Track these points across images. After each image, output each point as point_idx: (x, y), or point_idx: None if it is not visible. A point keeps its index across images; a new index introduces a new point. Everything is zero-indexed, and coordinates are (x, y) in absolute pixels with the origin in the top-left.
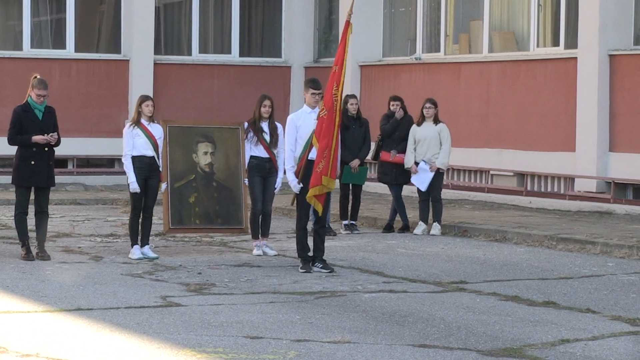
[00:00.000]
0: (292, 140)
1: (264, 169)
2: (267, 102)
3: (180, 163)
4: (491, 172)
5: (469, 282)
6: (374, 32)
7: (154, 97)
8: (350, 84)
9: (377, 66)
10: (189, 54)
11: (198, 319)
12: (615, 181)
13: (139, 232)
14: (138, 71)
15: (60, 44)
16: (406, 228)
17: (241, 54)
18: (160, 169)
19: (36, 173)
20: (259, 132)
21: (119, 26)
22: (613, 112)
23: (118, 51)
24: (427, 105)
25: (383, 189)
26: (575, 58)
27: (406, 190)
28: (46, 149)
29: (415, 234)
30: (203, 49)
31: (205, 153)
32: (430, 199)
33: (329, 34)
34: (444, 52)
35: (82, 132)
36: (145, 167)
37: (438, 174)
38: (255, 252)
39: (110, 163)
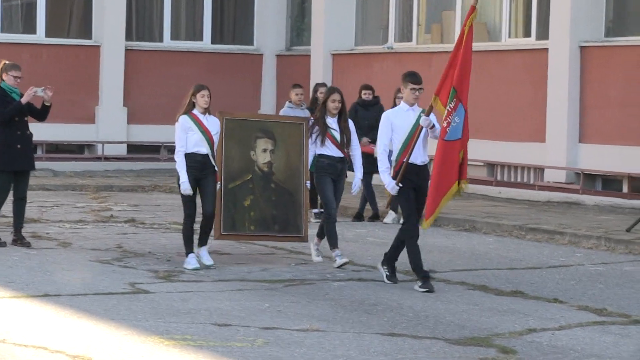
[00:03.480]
0: (387, 138)
1: (336, 170)
2: (336, 97)
3: (236, 161)
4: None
5: (437, 271)
6: (347, 21)
7: (125, 84)
8: (322, 73)
9: (349, 55)
10: (161, 40)
11: (166, 306)
12: (585, 172)
13: (198, 232)
14: (109, 57)
15: (30, 28)
16: (376, 217)
17: (213, 41)
18: (216, 168)
19: (22, 157)
20: (325, 128)
21: (90, 11)
22: (583, 104)
23: (89, 37)
24: (400, 94)
25: (353, 177)
26: (547, 49)
27: (376, 179)
28: (28, 132)
29: (385, 223)
30: (175, 36)
31: (265, 150)
32: None
33: (301, 22)
34: (416, 42)
35: (52, 118)
36: (197, 165)
37: None
38: (339, 261)
39: (79, 149)
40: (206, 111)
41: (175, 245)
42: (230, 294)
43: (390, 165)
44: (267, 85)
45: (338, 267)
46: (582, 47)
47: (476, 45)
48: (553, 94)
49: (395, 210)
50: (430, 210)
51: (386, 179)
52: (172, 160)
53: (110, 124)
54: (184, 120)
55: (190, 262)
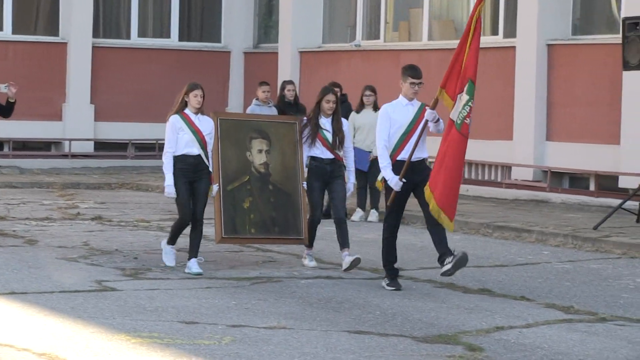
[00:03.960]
0: (386, 133)
1: (325, 173)
2: (330, 97)
3: (233, 162)
4: (429, 159)
5: (405, 269)
6: (314, 19)
7: (92, 81)
8: (290, 70)
9: (316, 53)
10: (128, 37)
11: (133, 303)
12: (552, 170)
13: (189, 243)
14: (76, 54)
15: None
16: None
17: (180, 39)
18: (210, 169)
19: None
20: (316, 129)
21: (57, 8)
22: (550, 102)
23: (56, 34)
24: (367, 92)
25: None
26: (514, 47)
27: None
28: None
29: (352, 221)
30: (142, 33)
31: (260, 151)
32: (368, 186)
33: (268, 20)
34: (384, 40)
35: (19, 115)
36: (189, 167)
37: (377, 161)
38: (307, 262)
39: (46, 146)
40: (199, 111)
41: (142, 242)
42: (198, 292)
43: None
44: (234, 82)
45: (304, 266)
46: (549, 45)
47: (444, 43)
48: (520, 92)
49: (363, 208)
50: (452, 210)
51: (389, 175)
52: (139, 157)
53: (78, 121)
54: (174, 120)
55: (169, 254)
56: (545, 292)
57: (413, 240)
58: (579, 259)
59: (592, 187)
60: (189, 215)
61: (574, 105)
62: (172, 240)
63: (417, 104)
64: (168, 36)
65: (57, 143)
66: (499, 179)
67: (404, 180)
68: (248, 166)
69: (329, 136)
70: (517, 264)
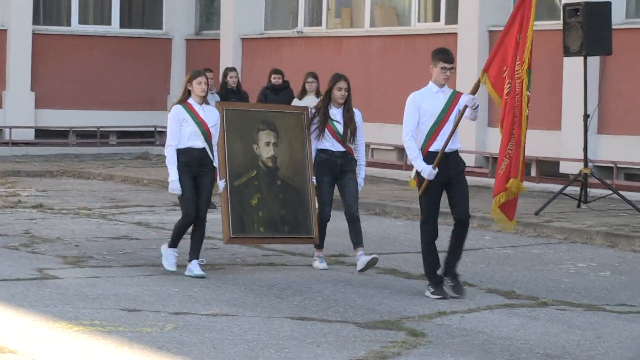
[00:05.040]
0: (414, 123)
1: (335, 166)
2: (342, 84)
3: (240, 156)
4: (372, 146)
5: (347, 255)
6: (256, 5)
7: (32, 68)
8: (232, 57)
9: (258, 39)
10: (69, 24)
11: (75, 291)
12: (493, 156)
13: (190, 243)
14: (16, 41)
15: None
16: None
17: (122, 25)
18: (215, 163)
19: None
20: (326, 119)
21: None
22: None
23: None
24: (309, 79)
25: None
26: (456, 33)
27: None
28: None
29: None
30: (83, 20)
31: (268, 144)
32: None
33: (210, 7)
34: (326, 26)
35: None
36: (193, 162)
37: None
38: (317, 264)
39: None
40: (203, 100)
41: (84, 230)
42: (140, 279)
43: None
44: (176, 69)
45: (315, 267)
46: (490, 32)
47: (386, 30)
48: (462, 78)
49: None
50: (511, 208)
51: (421, 165)
52: (81, 145)
53: (18, 109)
54: (177, 110)
55: (169, 258)
56: (487, 278)
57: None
58: (521, 244)
59: (533, 173)
60: (195, 213)
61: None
62: (173, 243)
63: (448, 91)
64: (109, 23)
65: None
66: None
67: (437, 169)
68: (255, 160)
69: (340, 127)
70: None
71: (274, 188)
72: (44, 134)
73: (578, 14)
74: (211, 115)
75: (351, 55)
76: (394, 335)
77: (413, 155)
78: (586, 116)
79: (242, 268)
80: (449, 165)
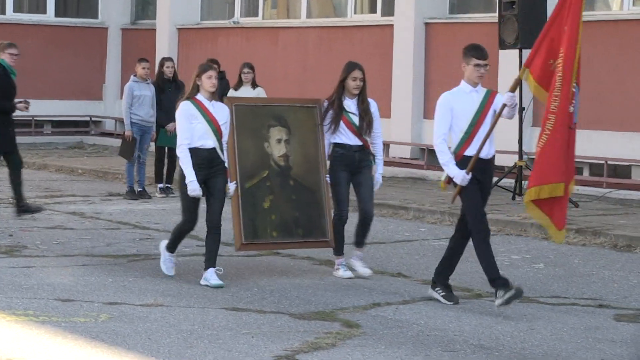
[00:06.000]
0: (446, 126)
1: (353, 161)
2: (357, 74)
3: (251, 155)
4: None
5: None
6: None
7: None
8: (168, 47)
9: (195, 29)
10: (3, 12)
11: (8, 281)
12: (429, 148)
13: (205, 250)
14: None
15: None
16: None
17: (57, 14)
18: (226, 164)
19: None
20: (340, 111)
21: None
22: (428, 80)
23: None
24: (245, 70)
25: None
26: (392, 25)
27: None
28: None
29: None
30: (17, 8)
31: (279, 141)
32: None
33: None
34: (262, 17)
35: None
36: (204, 163)
37: None
38: (341, 273)
39: None
40: (213, 96)
41: (17, 220)
42: (74, 269)
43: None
44: (112, 59)
45: (340, 277)
46: (427, 24)
47: (322, 21)
48: (398, 70)
49: None
50: (562, 216)
51: (454, 170)
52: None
53: None
54: (186, 106)
55: (167, 263)
56: (422, 269)
57: None
58: None
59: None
60: (194, 222)
61: (451, 83)
62: (171, 247)
63: (482, 91)
64: (44, 12)
65: None
66: None
67: (470, 174)
68: (267, 159)
69: (356, 119)
70: (394, 241)
71: (286, 189)
72: None
73: (514, 6)
74: (222, 112)
75: (287, 46)
76: (329, 326)
77: (445, 160)
78: (521, 109)
79: (177, 258)
80: (483, 172)
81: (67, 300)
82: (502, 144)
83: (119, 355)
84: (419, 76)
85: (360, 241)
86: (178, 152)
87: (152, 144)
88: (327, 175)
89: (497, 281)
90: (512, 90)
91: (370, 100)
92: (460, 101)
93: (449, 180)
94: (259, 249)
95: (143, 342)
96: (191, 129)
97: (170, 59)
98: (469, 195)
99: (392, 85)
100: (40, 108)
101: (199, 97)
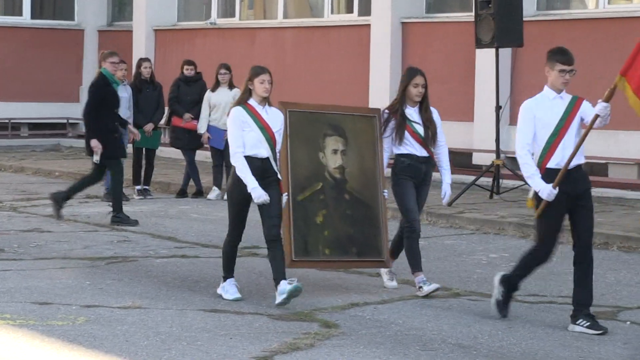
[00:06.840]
0: (529, 135)
1: (419, 174)
2: (419, 80)
3: (304, 166)
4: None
5: (261, 247)
6: None
7: None
8: (145, 49)
9: (171, 30)
10: None
11: None
12: None
13: (271, 266)
14: None
15: None
16: (200, 193)
17: (33, 16)
18: (279, 175)
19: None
20: (404, 121)
21: None
22: None
23: None
24: (222, 71)
25: (176, 153)
26: (369, 25)
27: (200, 155)
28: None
29: (209, 199)
30: None
31: (335, 151)
32: (224, 164)
33: None
34: (239, 17)
35: None
36: (256, 174)
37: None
38: (390, 283)
39: None
40: (265, 101)
41: None
42: (51, 272)
43: None
44: (88, 61)
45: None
46: (403, 23)
47: (299, 21)
48: (375, 69)
49: (220, 187)
50: None
51: (539, 184)
52: None
53: None
54: (238, 112)
55: (229, 289)
56: (400, 269)
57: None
58: (434, 235)
59: None
60: (242, 228)
61: (428, 82)
62: (228, 271)
63: (567, 97)
64: (20, 14)
65: None
66: None
67: (557, 189)
68: (321, 171)
69: (420, 129)
70: None
71: (341, 203)
72: None
73: (490, 5)
74: (276, 118)
75: (264, 47)
76: (307, 327)
77: (529, 173)
78: (498, 107)
79: (155, 260)
80: (574, 184)
81: (45, 304)
82: (480, 143)
83: (96, 358)
84: (396, 76)
85: (415, 264)
86: (233, 161)
87: (130, 146)
88: (385, 191)
89: (583, 305)
90: (606, 100)
91: (432, 108)
92: (543, 108)
93: (536, 195)
94: (310, 266)
95: (121, 345)
96: (243, 136)
97: (147, 60)
98: (551, 216)
99: (369, 85)
100: (16, 110)
101: (251, 102)
